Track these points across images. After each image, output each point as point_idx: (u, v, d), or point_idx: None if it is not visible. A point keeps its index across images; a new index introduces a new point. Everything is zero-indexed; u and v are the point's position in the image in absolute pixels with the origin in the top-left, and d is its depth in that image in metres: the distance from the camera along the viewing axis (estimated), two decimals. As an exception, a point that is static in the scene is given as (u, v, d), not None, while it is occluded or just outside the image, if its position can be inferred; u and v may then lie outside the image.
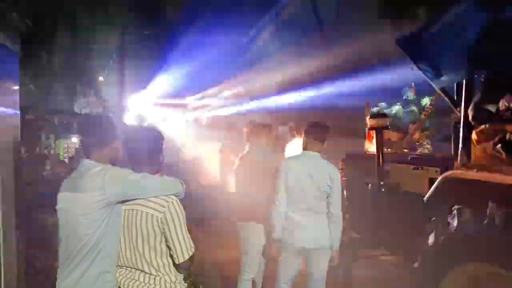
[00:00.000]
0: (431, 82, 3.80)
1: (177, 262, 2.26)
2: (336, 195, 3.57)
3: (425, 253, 3.27)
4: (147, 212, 2.22)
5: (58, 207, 2.28)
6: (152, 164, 2.37)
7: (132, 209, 2.25)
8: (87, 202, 2.17)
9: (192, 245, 2.30)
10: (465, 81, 3.42)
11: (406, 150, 6.35)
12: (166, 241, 2.25)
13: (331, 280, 4.27)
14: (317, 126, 3.71)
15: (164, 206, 2.22)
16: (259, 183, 3.85)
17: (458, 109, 3.61)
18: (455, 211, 3.15)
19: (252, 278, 4.08)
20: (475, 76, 3.56)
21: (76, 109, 15.58)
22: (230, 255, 6.05)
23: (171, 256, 2.28)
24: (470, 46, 3.22)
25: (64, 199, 2.26)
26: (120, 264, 2.32)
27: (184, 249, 2.25)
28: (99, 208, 2.17)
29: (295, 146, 6.69)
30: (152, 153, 2.37)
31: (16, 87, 2.84)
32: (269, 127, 4.33)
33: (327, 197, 3.56)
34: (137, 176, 2.24)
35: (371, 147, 7.67)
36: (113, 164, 2.33)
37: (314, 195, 3.52)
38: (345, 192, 5.00)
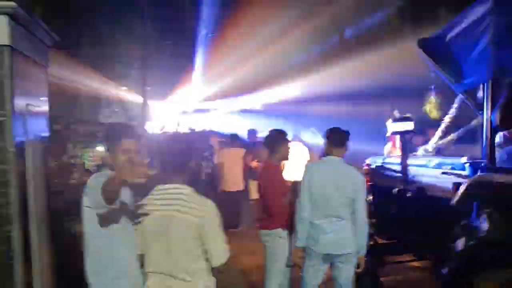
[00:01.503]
0: (453, 86, 3.75)
1: (213, 265, 2.30)
2: (361, 201, 3.55)
3: (453, 258, 3.21)
4: (184, 218, 2.23)
5: None
6: (182, 172, 2.38)
7: (166, 215, 2.27)
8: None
9: (227, 247, 2.32)
10: (489, 84, 3.35)
11: (431, 154, 6.24)
12: (203, 244, 2.27)
13: (358, 286, 4.23)
14: (337, 131, 3.70)
15: (201, 211, 2.25)
16: None
17: (481, 112, 3.55)
18: (484, 215, 3.09)
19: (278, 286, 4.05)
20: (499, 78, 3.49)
21: (101, 118, 15.91)
22: (255, 261, 6.06)
23: (206, 260, 2.30)
24: (493, 48, 3.16)
25: None
26: (152, 271, 2.33)
27: (221, 251, 2.29)
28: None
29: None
30: (184, 162, 2.39)
31: (46, 98, 2.92)
32: None
33: (351, 203, 3.53)
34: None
35: (394, 151, 7.58)
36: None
37: (339, 201, 3.50)
38: (370, 197, 4.97)
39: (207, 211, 2.27)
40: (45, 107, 2.89)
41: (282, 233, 3.96)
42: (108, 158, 2.39)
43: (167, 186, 2.37)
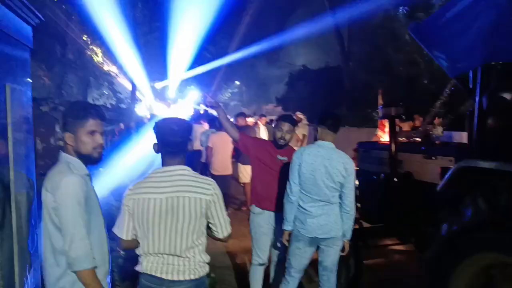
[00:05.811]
0: (445, 70, 3.75)
1: (220, 237, 2.43)
2: (350, 186, 3.57)
3: (437, 242, 3.25)
4: (194, 197, 2.29)
5: None
6: (183, 152, 2.40)
7: (173, 197, 2.29)
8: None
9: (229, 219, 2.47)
10: (481, 69, 3.35)
11: (418, 139, 6.28)
12: (211, 219, 2.37)
13: (342, 269, 4.27)
14: (330, 116, 3.71)
15: (209, 189, 2.33)
16: None
17: (473, 97, 3.55)
18: (468, 201, 3.12)
19: (263, 264, 4.13)
20: (491, 63, 3.48)
21: (90, 100, 15.74)
22: (242, 244, 6.10)
23: (208, 235, 2.43)
24: (486, 33, 3.16)
25: None
26: (152, 252, 2.33)
27: (227, 224, 2.44)
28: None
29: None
30: (185, 143, 2.41)
31: (29, 79, 2.87)
32: None
33: (340, 188, 3.55)
34: (74, 209, 2.09)
35: (383, 136, 7.63)
36: (79, 152, 2.27)
37: (328, 186, 3.51)
38: (356, 182, 5.00)
39: (214, 188, 2.36)
40: (28, 88, 2.84)
41: (255, 209, 4.14)
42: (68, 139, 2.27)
43: (166, 168, 2.38)
